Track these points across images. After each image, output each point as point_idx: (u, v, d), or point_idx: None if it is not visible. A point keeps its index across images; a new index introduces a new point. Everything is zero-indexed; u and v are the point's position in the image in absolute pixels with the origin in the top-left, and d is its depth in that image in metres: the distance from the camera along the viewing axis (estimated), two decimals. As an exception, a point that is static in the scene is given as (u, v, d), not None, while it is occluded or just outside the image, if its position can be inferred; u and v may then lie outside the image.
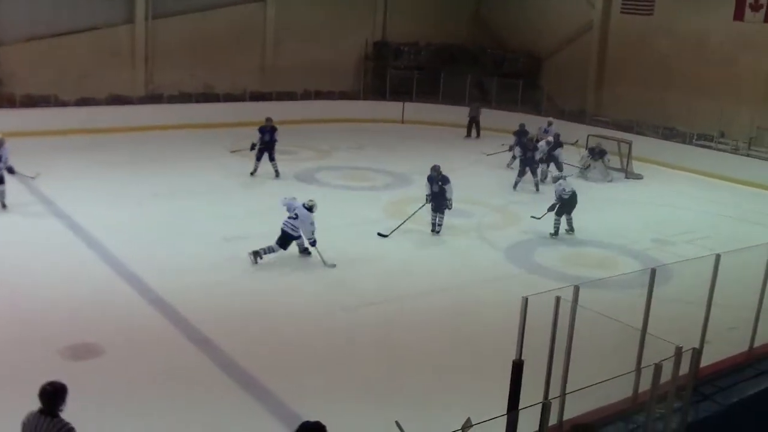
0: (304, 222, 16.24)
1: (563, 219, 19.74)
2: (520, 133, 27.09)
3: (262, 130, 23.81)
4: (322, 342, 13.03)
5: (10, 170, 19.68)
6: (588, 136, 27.74)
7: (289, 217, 16.44)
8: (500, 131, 31.08)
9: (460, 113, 33.31)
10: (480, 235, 19.42)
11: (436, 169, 19.03)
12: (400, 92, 35.84)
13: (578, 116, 32.85)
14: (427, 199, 19.15)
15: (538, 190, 24.11)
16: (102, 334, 12.53)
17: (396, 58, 37.45)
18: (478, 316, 14.39)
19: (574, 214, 19.82)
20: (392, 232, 18.57)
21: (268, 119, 24.09)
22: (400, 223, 18.85)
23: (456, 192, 20.94)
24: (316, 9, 35.64)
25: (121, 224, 18.54)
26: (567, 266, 17.27)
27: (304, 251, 16.86)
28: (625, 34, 33.68)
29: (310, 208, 16.34)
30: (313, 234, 16.23)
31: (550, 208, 19.75)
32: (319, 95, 35.39)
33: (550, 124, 28.27)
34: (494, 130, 31.81)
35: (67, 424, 6.77)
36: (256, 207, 20.67)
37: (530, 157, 24.30)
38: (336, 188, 22.96)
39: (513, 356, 8.98)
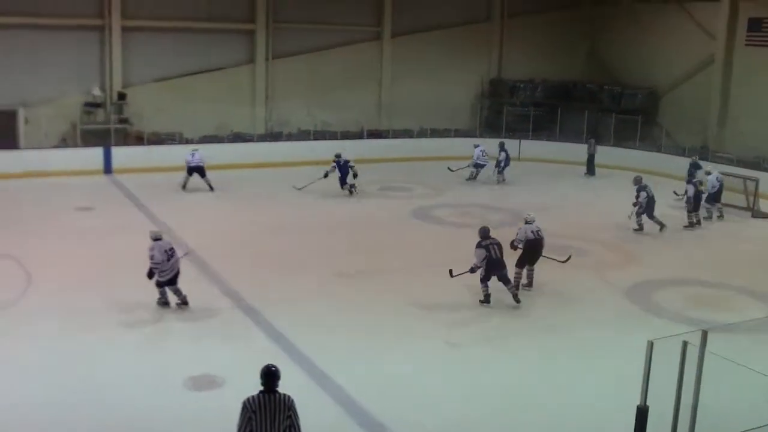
0: None
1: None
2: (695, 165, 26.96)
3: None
4: (427, 375, 12.96)
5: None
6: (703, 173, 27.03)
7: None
8: (618, 168, 30.67)
9: (578, 150, 32.94)
10: (598, 274, 19.05)
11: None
12: (517, 129, 35.70)
13: (699, 153, 32.05)
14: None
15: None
16: (222, 366, 12.79)
17: (512, 95, 37.40)
18: (598, 358, 14.09)
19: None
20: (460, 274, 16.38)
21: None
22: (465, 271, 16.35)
23: (572, 230, 20.79)
24: (432, 47, 36.03)
25: (238, 256, 19.07)
26: (690, 308, 16.71)
27: None
28: (750, 67, 32.74)
29: None
30: None
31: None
32: (435, 132, 35.50)
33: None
34: (612, 168, 31.41)
35: (289, 395, 8.24)
36: (375, 243, 20.82)
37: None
38: (450, 225, 22.92)
39: (637, 401, 8.78)
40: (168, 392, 11.97)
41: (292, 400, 8.24)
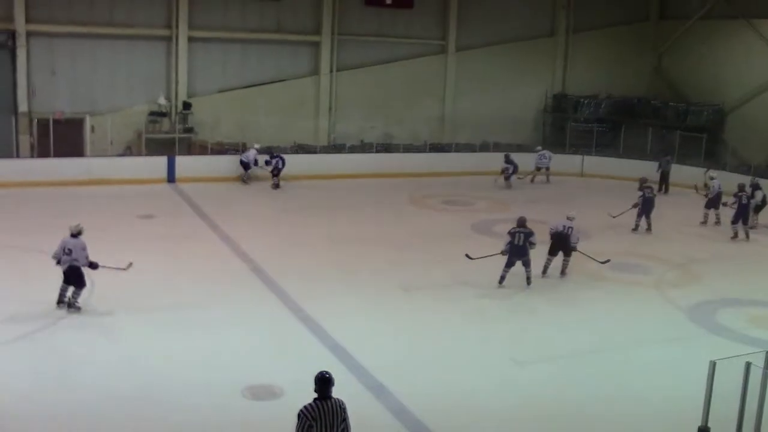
0: None
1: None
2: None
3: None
4: (490, 393, 12.92)
5: None
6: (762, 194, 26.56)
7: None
8: (683, 186, 30.22)
9: (641, 167, 32.53)
10: (660, 293, 18.81)
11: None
12: (580, 145, 35.42)
13: (766, 171, 31.46)
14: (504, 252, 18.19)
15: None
16: (281, 376, 12.83)
17: (576, 111, 37.10)
18: (658, 378, 13.88)
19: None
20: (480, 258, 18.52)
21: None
22: (489, 254, 18.48)
23: (634, 247, 20.56)
24: (496, 61, 36.03)
25: (299, 268, 19.09)
26: (754, 329, 16.40)
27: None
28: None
29: None
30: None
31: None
32: (498, 147, 35.33)
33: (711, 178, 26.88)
34: (676, 185, 30.94)
35: (341, 399, 8.51)
36: (434, 257, 20.80)
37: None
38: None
39: (698, 423, 8.65)
40: (227, 401, 12.04)
41: (345, 404, 8.50)
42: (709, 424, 8.50)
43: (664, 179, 31.44)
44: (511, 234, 18.08)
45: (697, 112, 36.03)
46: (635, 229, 24.32)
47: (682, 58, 38.00)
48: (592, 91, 37.56)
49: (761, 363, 8.58)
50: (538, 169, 32.75)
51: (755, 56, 34.66)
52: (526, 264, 18.18)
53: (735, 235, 24.07)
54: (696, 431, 8.82)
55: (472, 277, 18.70)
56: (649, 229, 24.28)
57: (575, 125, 36.35)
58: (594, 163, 34.44)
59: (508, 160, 31.38)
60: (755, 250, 23.36)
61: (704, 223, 25.69)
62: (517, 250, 18.01)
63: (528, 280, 18.24)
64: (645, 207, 24.24)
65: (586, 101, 37.20)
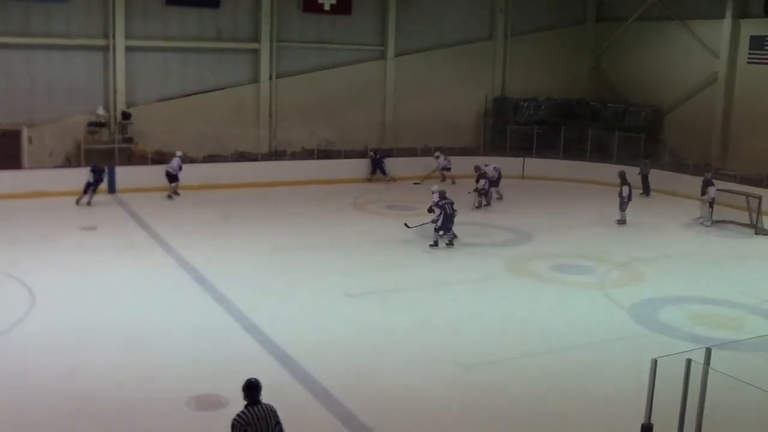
0: None
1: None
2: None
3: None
4: (437, 399, 12.92)
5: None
6: (714, 191, 27.01)
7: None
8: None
9: (581, 168, 32.95)
10: (603, 293, 19.02)
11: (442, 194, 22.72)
12: (521, 147, 35.68)
13: (703, 170, 31.98)
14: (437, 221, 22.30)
15: None
16: (226, 385, 12.71)
17: (516, 114, 37.34)
18: (602, 377, 14.03)
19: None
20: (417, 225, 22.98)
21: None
22: (425, 221, 22.73)
23: (577, 248, 20.79)
24: (435, 65, 36.18)
25: (243, 277, 18.96)
26: (695, 326, 16.67)
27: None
28: (753, 85, 32.77)
29: None
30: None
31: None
32: (439, 151, 35.48)
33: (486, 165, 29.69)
34: (616, 186, 31.30)
35: (270, 404, 8.62)
36: (378, 262, 20.83)
37: None
38: (457, 245, 22.89)
39: (641, 420, 8.74)
40: (171, 412, 11.93)
41: (275, 407, 8.66)
42: (652, 421, 8.60)
43: (644, 181, 31.76)
44: (441, 207, 22.16)
45: (635, 112, 36.51)
46: (488, 204, 28.27)
47: (619, 59, 38.54)
48: (531, 93, 37.86)
49: (702, 360, 8.70)
50: (448, 170, 32.82)
51: (691, 57, 35.24)
52: (450, 229, 22.38)
53: (623, 221, 26.40)
54: (639, 429, 8.93)
55: (417, 282, 18.78)
56: (500, 198, 29.07)
57: (515, 128, 36.59)
58: (535, 165, 34.74)
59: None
60: (695, 249, 23.78)
61: (478, 207, 28.11)
62: (449, 217, 22.20)
63: (452, 242, 22.46)
64: (495, 183, 29.00)
65: (525, 104, 37.46)
